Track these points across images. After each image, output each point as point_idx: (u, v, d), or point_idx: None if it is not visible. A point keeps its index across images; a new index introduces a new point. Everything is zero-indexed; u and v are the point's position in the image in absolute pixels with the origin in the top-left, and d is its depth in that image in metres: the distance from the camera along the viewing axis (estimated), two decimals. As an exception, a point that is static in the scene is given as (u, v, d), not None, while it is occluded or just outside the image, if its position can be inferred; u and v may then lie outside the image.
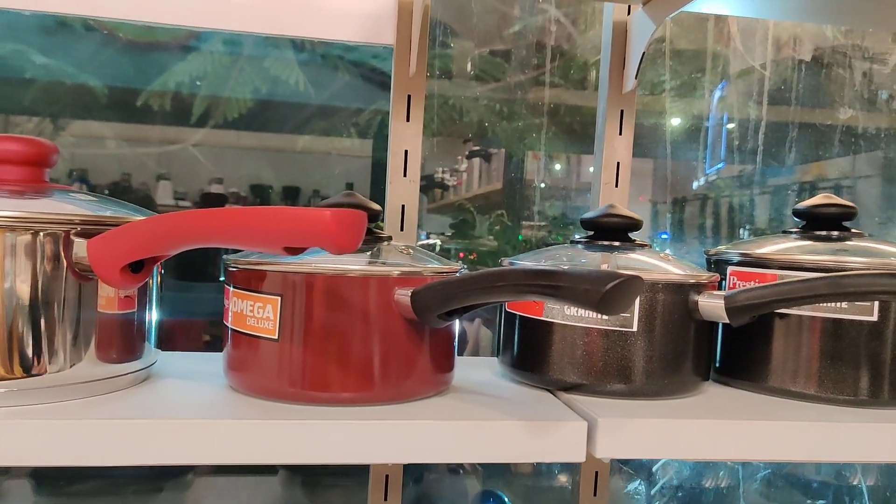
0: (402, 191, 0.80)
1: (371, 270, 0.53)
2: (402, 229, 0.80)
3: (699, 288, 0.61)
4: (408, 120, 0.79)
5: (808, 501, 1.14)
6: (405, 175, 0.80)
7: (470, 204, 3.03)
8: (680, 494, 1.16)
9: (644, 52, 0.77)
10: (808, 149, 1.27)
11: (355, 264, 0.53)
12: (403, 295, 0.53)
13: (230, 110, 2.36)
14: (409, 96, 0.79)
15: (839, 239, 0.67)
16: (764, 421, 0.56)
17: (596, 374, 0.59)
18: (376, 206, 0.61)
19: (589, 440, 0.54)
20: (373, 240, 0.59)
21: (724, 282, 0.68)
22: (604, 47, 0.83)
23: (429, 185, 3.04)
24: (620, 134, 0.81)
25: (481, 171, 3.15)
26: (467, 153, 2.81)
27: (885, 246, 0.67)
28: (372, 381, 0.53)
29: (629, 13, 0.81)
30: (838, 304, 0.61)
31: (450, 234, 2.72)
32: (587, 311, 0.59)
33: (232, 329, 0.56)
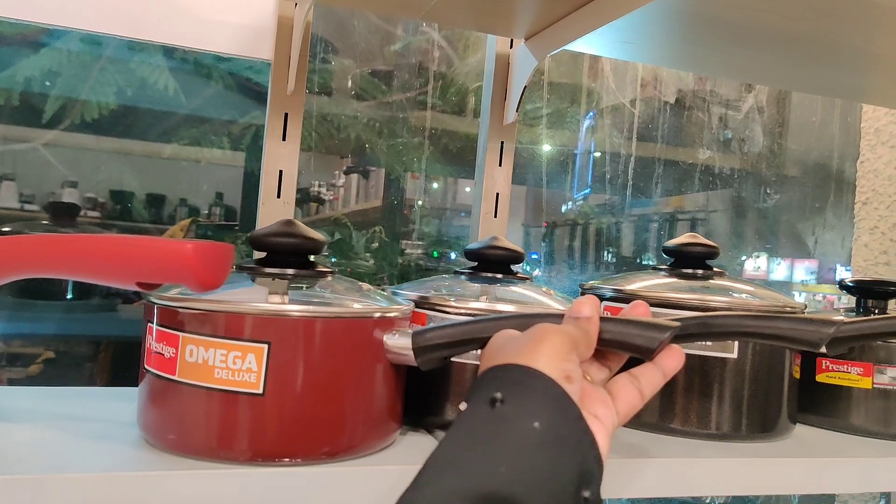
0: (275, 213, 0.75)
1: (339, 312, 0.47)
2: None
3: (577, 324, 0.61)
4: (284, 139, 0.75)
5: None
6: (279, 196, 0.75)
7: (347, 219, 2.97)
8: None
9: (525, 86, 0.78)
10: (672, 184, 1.36)
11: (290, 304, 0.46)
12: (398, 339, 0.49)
13: (88, 111, 2.18)
14: (286, 115, 0.75)
15: (703, 277, 0.71)
16: (627, 459, 0.57)
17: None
18: (318, 237, 0.56)
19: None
20: (315, 274, 0.54)
21: (599, 317, 0.69)
22: (486, 79, 0.83)
23: (304, 198, 2.96)
24: (500, 165, 0.82)
25: (359, 187, 3.11)
26: (345, 169, 2.77)
27: (743, 285, 0.71)
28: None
29: (512, 47, 0.82)
30: (705, 342, 0.63)
31: (325, 253, 2.63)
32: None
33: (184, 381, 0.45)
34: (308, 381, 0.44)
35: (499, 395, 0.37)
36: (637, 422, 0.66)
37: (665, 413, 0.65)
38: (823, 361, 0.72)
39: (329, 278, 0.51)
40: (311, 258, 0.52)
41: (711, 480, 0.60)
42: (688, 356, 0.63)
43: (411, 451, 0.53)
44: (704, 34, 0.74)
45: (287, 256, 0.49)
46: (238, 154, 2.25)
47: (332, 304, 0.47)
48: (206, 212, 2.90)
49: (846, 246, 1.43)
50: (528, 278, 0.67)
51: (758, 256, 2.04)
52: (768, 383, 0.65)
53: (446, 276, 0.67)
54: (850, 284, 0.78)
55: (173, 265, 0.34)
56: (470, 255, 0.66)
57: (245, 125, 2.25)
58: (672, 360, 0.46)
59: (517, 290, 0.64)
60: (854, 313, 0.77)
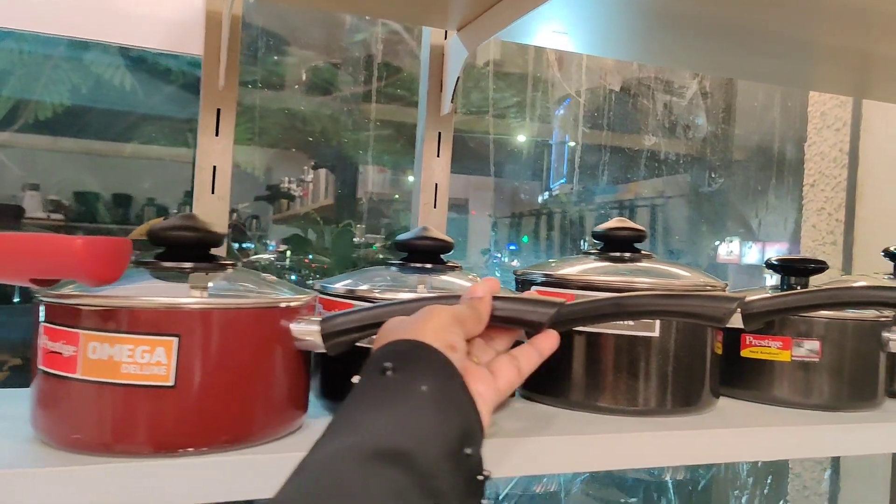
0: (210, 208, 0.75)
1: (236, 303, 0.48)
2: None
3: (503, 308, 0.63)
4: (217, 135, 0.76)
5: (622, 500, 1.22)
6: (213, 192, 0.76)
7: (317, 214, 2.97)
8: (504, 503, 1.20)
9: (459, 77, 0.79)
10: (619, 171, 1.38)
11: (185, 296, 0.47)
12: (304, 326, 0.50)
13: (42, 111, 2.14)
14: (218, 110, 0.75)
15: (631, 260, 0.73)
16: (556, 437, 0.59)
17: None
18: (218, 230, 0.56)
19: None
20: (215, 267, 0.54)
21: (529, 301, 0.71)
22: (422, 71, 0.84)
23: (275, 195, 2.95)
24: (438, 156, 0.83)
25: (327, 182, 3.10)
26: (313, 164, 2.76)
27: (670, 267, 0.73)
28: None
29: (446, 38, 0.83)
30: (626, 321, 0.65)
31: (284, 248, 2.64)
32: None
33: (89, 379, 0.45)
34: (218, 371, 0.46)
35: (389, 364, 0.40)
36: (566, 401, 0.68)
37: (592, 392, 0.67)
38: (747, 337, 0.75)
39: (230, 270, 0.52)
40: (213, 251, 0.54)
41: (636, 454, 0.62)
42: (612, 336, 0.66)
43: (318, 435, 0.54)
44: (639, 24, 0.76)
45: (186, 250, 0.50)
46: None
47: (239, 296, 0.48)
48: (176, 211, 2.87)
49: (788, 227, 1.47)
50: (457, 267, 0.68)
51: (731, 241, 2.08)
52: (691, 360, 0.68)
53: (379, 267, 0.68)
54: (775, 263, 0.80)
55: (64, 261, 0.34)
56: (400, 246, 0.68)
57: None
58: (548, 341, 0.51)
59: (446, 279, 0.65)
60: (776, 290, 0.80)
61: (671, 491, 1.22)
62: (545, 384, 0.69)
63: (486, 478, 0.41)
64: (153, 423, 0.44)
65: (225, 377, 0.46)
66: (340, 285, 0.63)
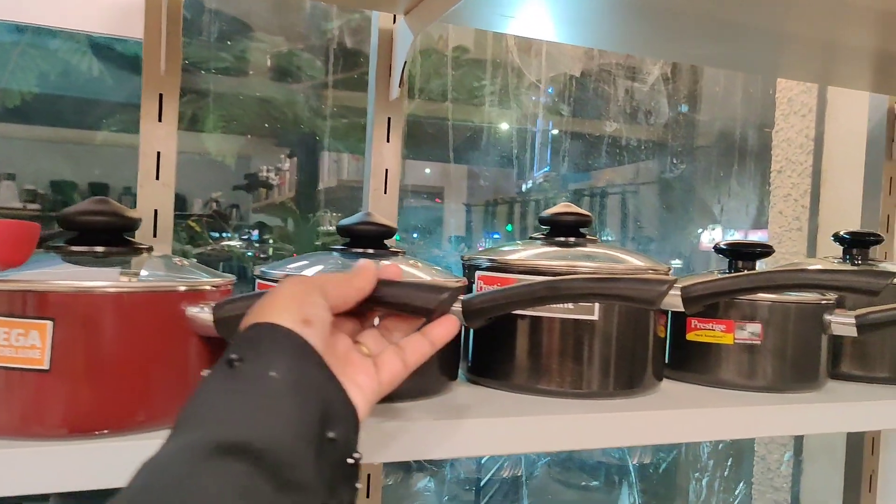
0: (155, 195, 0.75)
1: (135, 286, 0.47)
2: (154, 235, 0.75)
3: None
4: (160, 120, 0.75)
5: (584, 482, 1.24)
6: (158, 178, 0.75)
7: (293, 203, 2.96)
8: (466, 488, 1.21)
9: (406, 61, 0.79)
10: (580, 158, 1.39)
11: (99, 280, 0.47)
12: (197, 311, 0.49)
13: (10, 99, 2.11)
14: (160, 95, 0.74)
15: (576, 245, 0.73)
16: (497, 418, 0.59)
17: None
18: (133, 214, 0.56)
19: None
20: (129, 251, 0.54)
21: (474, 286, 0.71)
22: (371, 55, 0.83)
23: (253, 184, 2.94)
24: (388, 141, 0.83)
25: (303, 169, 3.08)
26: (289, 152, 2.75)
27: (614, 251, 0.74)
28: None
29: (395, 22, 0.82)
30: (565, 304, 0.66)
31: (267, 235, 2.64)
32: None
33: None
34: (100, 354, 0.45)
35: (234, 355, 0.38)
36: (510, 384, 0.68)
37: (535, 374, 0.67)
38: (692, 321, 0.75)
39: (144, 255, 0.51)
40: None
41: (577, 435, 0.63)
42: (552, 319, 0.66)
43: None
44: (600, 10, 0.76)
45: (97, 234, 0.49)
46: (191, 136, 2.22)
47: (130, 279, 0.48)
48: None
49: (750, 213, 1.48)
50: (400, 252, 0.68)
51: (713, 229, 2.09)
52: (632, 343, 0.68)
53: (321, 252, 0.68)
54: (724, 247, 0.81)
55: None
56: (342, 231, 0.67)
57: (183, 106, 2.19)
58: (443, 328, 0.48)
59: (386, 264, 0.65)
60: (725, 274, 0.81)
61: (633, 474, 1.23)
62: (489, 367, 0.69)
63: (358, 460, 0.39)
64: (27, 407, 0.44)
65: (107, 361, 0.45)
66: (278, 271, 0.62)
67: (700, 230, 2.03)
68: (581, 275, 0.61)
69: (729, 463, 1.35)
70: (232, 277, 0.55)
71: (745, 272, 0.68)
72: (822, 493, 1.39)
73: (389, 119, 0.82)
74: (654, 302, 0.55)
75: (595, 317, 0.66)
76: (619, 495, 1.23)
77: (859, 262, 0.89)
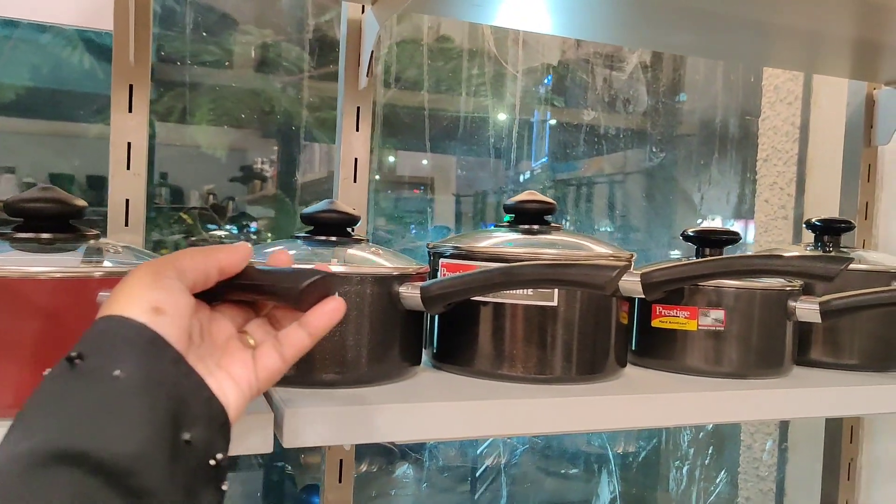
0: (126, 185, 0.76)
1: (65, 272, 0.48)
2: (126, 225, 0.76)
3: (403, 279, 0.64)
4: (130, 111, 0.76)
5: (563, 470, 1.25)
6: (129, 168, 0.76)
7: (284, 194, 2.96)
8: (446, 475, 1.22)
9: (373, 52, 0.79)
10: (559, 148, 1.39)
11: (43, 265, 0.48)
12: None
13: (4, 93, 2.13)
14: (130, 86, 0.75)
15: (540, 232, 0.74)
16: (454, 402, 0.60)
17: (299, 366, 0.60)
18: (79, 202, 0.57)
19: (278, 430, 0.54)
20: (75, 238, 0.55)
21: (438, 273, 0.72)
22: (341, 45, 0.84)
23: (248, 176, 2.96)
24: (357, 130, 0.83)
25: (299, 161, 3.10)
26: (280, 144, 2.75)
27: (578, 239, 0.74)
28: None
29: (363, 12, 0.83)
30: (525, 291, 0.66)
31: (263, 225, 2.66)
32: (288, 306, 0.60)
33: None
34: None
35: (75, 353, 0.35)
36: (472, 370, 0.69)
37: (497, 360, 0.68)
38: (657, 308, 0.76)
39: (91, 242, 0.52)
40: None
41: (536, 419, 0.64)
42: (514, 305, 0.67)
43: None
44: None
45: (42, 221, 0.50)
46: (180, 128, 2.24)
47: (45, 265, 0.48)
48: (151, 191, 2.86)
49: (731, 201, 1.48)
50: (363, 239, 0.69)
51: (713, 219, 2.09)
52: (593, 329, 0.69)
53: (285, 240, 0.69)
54: (691, 234, 0.81)
55: None
56: (305, 219, 0.68)
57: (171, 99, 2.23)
58: (320, 319, 0.43)
59: (349, 251, 0.66)
60: (693, 261, 0.81)
61: (612, 462, 1.24)
62: (453, 353, 0.70)
63: (220, 462, 0.37)
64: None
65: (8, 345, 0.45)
66: (240, 258, 0.63)
67: (699, 220, 2.03)
68: (534, 261, 0.62)
69: (710, 451, 1.36)
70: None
71: (706, 258, 0.68)
72: (806, 482, 1.40)
73: (359, 108, 0.83)
74: (605, 287, 0.56)
75: (554, 303, 0.67)
76: (599, 483, 1.24)
77: (830, 249, 0.89)
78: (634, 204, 1.68)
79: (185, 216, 2.60)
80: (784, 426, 1.46)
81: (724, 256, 0.68)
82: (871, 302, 0.72)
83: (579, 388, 0.67)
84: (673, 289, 0.70)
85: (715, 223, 2.08)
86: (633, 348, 0.79)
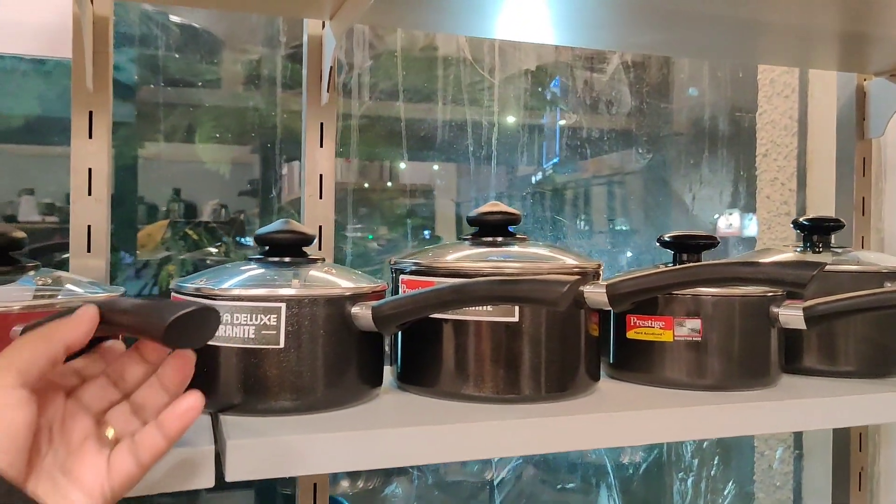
0: (88, 211, 0.75)
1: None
2: (88, 251, 0.75)
3: (357, 299, 0.62)
4: (90, 137, 0.75)
5: (559, 485, 1.21)
6: (90, 194, 0.75)
7: (291, 208, 2.98)
8: (436, 493, 1.20)
9: (332, 66, 0.78)
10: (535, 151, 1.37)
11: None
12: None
13: (14, 120, 2.20)
14: (90, 112, 0.75)
15: (504, 244, 0.71)
16: (405, 428, 0.58)
17: (250, 393, 0.59)
18: (18, 234, 0.57)
19: (221, 464, 0.53)
20: (14, 270, 0.55)
21: (399, 290, 0.70)
22: (304, 61, 0.83)
23: (256, 190, 3.00)
24: (321, 146, 0.82)
25: (301, 175, 3.11)
26: (285, 158, 2.79)
27: (543, 250, 0.72)
28: None
29: (323, 27, 0.81)
30: (484, 307, 0.64)
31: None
32: (236, 330, 0.58)
33: None
34: None
35: None
36: (435, 391, 0.67)
37: (460, 380, 0.65)
38: (632, 318, 0.73)
39: (30, 273, 0.53)
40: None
41: (503, 442, 0.61)
42: (471, 322, 0.65)
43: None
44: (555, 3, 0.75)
45: None
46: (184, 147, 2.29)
47: None
48: (165, 209, 2.92)
49: (724, 200, 1.44)
50: (319, 259, 0.67)
51: (731, 214, 2.05)
52: (560, 343, 0.66)
53: (238, 263, 0.67)
54: (668, 240, 0.78)
55: None
56: (259, 239, 0.67)
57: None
58: (175, 422, 0.40)
59: (303, 272, 0.64)
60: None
61: (611, 474, 1.21)
62: (416, 373, 0.68)
63: None
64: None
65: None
66: (191, 284, 0.62)
67: (716, 215, 1.98)
68: (487, 276, 0.59)
69: (716, 462, 1.31)
70: (121, 289, 0.55)
71: (670, 267, 0.66)
72: (823, 490, 1.34)
73: (322, 124, 0.82)
74: (557, 303, 0.54)
75: (515, 318, 0.64)
76: (598, 496, 1.21)
77: (819, 249, 0.86)
78: (632, 204, 1.65)
79: (190, 232, 2.62)
80: (797, 432, 1.40)
81: (691, 265, 0.66)
82: (857, 306, 0.69)
83: (548, 408, 0.65)
84: (641, 300, 0.68)
85: (732, 217, 2.04)
86: (611, 361, 0.76)
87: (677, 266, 0.64)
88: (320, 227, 0.82)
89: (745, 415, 0.68)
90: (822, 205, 1.38)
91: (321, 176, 0.82)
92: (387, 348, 0.69)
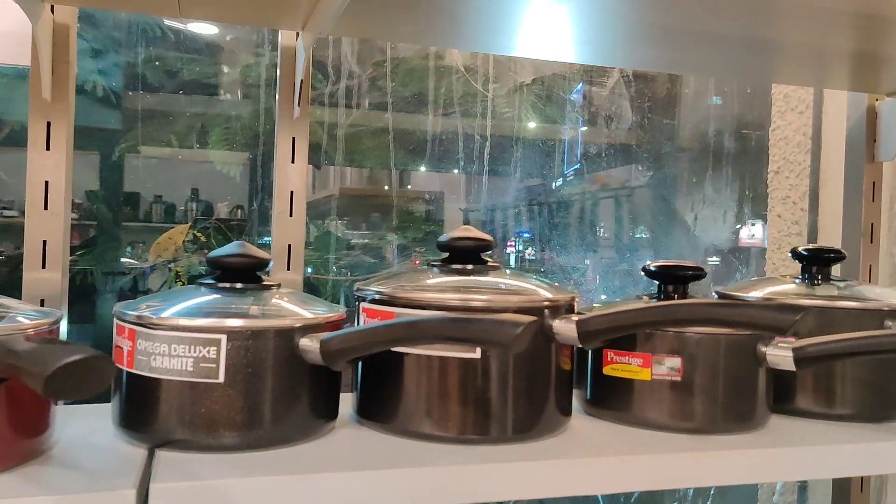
0: (44, 225, 0.72)
1: None
2: (43, 267, 0.72)
3: (308, 331, 0.58)
4: (48, 148, 0.72)
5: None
6: (46, 208, 0.72)
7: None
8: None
9: (303, 80, 0.74)
10: (531, 164, 1.33)
11: None
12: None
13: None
14: (48, 123, 0.72)
15: (475, 272, 0.67)
16: (349, 473, 0.54)
17: (191, 429, 0.55)
18: None
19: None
20: None
21: (360, 319, 0.66)
22: (278, 74, 0.79)
23: (269, 191, 3.04)
24: (293, 162, 0.78)
25: (314, 177, 3.14)
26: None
27: (516, 280, 0.67)
28: None
29: (297, 39, 0.78)
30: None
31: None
32: (174, 362, 0.55)
33: None
34: None
35: None
36: (393, 428, 0.63)
37: (419, 418, 0.61)
38: (608, 353, 0.68)
39: None
40: None
41: (460, 489, 0.57)
42: (432, 358, 0.61)
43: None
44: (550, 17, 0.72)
45: None
46: (199, 151, 2.33)
47: None
48: (182, 208, 2.95)
49: (728, 222, 1.39)
50: (274, 285, 0.64)
51: (753, 224, 1.99)
52: (527, 380, 0.62)
53: (189, 288, 0.64)
54: (653, 269, 0.74)
55: None
56: (211, 262, 0.63)
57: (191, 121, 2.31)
58: None
59: (255, 300, 0.61)
60: (655, 299, 0.74)
61: (600, 501, 1.16)
62: (374, 408, 0.64)
63: None
64: None
65: None
66: (133, 311, 0.58)
67: (739, 225, 1.92)
68: (443, 312, 0.56)
69: (712, 492, 1.26)
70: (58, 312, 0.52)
71: (648, 303, 0.61)
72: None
73: (294, 139, 0.78)
74: (510, 346, 0.50)
75: (476, 355, 0.60)
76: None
77: (819, 281, 0.80)
78: (658, 215, 1.60)
79: (198, 234, 2.61)
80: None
81: (666, 304, 0.61)
82: (851, 349, 0.64)
83: (512, 450, 0.61)
84: (612, 338, 0.63)
85: (755, 228, 1.97)
86: (588, 397, 0.72)
87: (652, 304, 0.59)
88: (289, 246, 0.79)
89: (726, 464, 0.64)
90: (833, 227, 1.32)
91: (292, 193, 0.78)
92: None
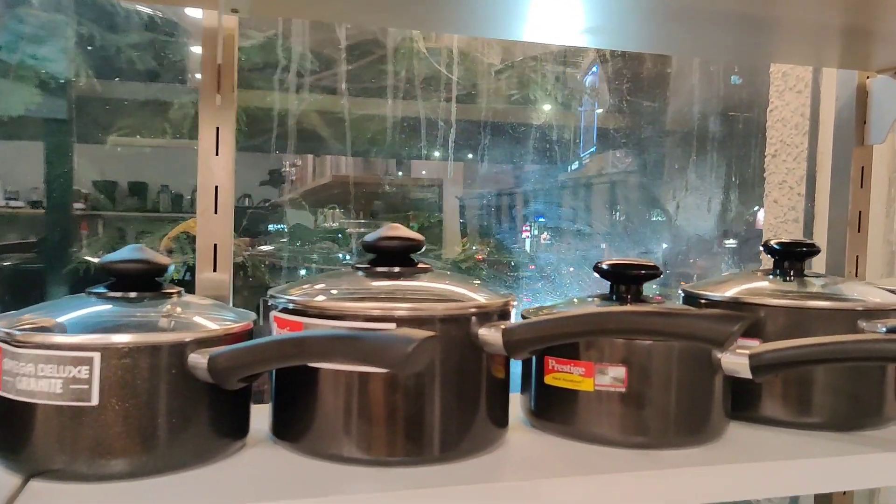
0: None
1: None
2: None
3: (201, 345, 0.53)
4: (217, 154, 0.72)
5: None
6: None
7: (303, 199, 2.97)
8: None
9: (221, 63, 0.69)
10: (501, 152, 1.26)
11: None
12: None
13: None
14: (217, 129, 0.72)
15: (402, 276, 0.61)
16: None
17: (67, 456, 0.50)
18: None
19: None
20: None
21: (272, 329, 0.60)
22: (202, 58, 0.73)
23: (278, 179, 3.07)
24: (217, 154, 0.73)
25: (315, 165, 3.12)
26: (294, 147, 2.82)
27: (443, 284, 0.61)
28: None
29: (219, 20, 0.72)
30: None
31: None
32: (42, 384, 0.50)
33: None
34: None
35: None
36: (308, 449, 0.57)
37: (335, 438, 0.56)
38: (550, 361, 0.62)
39: None
40: None
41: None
42: (351, 372, 0.55)
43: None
44: None
45: None
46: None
47: None
48: (189, 197, 2.95)
49: (713, 209, 1.31)
50: (174, 293, 0.58)
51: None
52: (455, 394, 0.56)
53: (76, 297, 0.58)
54: (605, 269, 0.67)
55: None
56: (103, 268, 0.58)
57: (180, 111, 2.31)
58: None
59: (144, 311, 0.55)
60: (608, 301, 0.67)
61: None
62: (288, 426, 0.59)
63: None
64: None
65: None
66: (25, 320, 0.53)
67: (756, 207, 1.83)
68: (323, 332, 0.50)
69: None
70: None
71: (572, 314, 0.55)
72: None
73: (218, 129, 0.72)
74: (400, 366, 0.44)
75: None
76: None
77: (791, 277, 0.73)
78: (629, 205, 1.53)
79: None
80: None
81: (594, 312, 0.54)
82: (811, 356, 0.57)
83: (436, 472, 0.55)
84: (540, 348, 0.57)
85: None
86: (532, 407, 0.66)
87: (583, 311, 0.53)
88: (215, 246, 0.73)
89: (675, 483, 0.58)
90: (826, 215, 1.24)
91: (217, 188, 0.73)
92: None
